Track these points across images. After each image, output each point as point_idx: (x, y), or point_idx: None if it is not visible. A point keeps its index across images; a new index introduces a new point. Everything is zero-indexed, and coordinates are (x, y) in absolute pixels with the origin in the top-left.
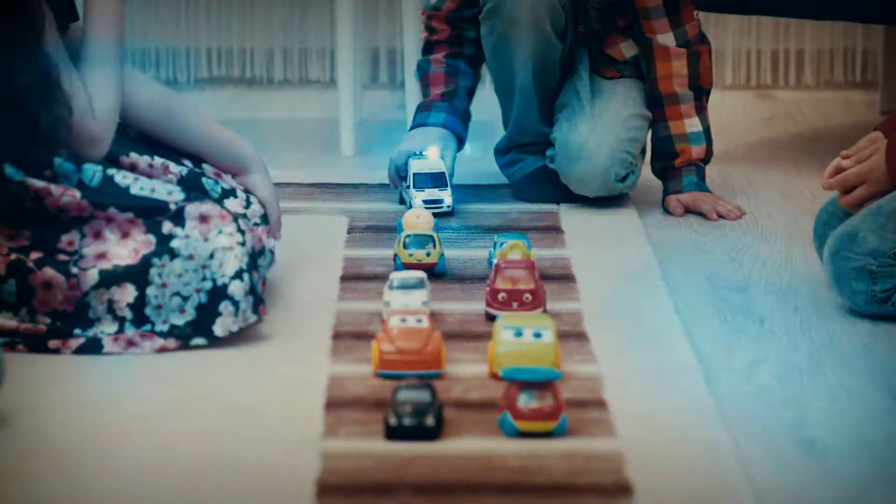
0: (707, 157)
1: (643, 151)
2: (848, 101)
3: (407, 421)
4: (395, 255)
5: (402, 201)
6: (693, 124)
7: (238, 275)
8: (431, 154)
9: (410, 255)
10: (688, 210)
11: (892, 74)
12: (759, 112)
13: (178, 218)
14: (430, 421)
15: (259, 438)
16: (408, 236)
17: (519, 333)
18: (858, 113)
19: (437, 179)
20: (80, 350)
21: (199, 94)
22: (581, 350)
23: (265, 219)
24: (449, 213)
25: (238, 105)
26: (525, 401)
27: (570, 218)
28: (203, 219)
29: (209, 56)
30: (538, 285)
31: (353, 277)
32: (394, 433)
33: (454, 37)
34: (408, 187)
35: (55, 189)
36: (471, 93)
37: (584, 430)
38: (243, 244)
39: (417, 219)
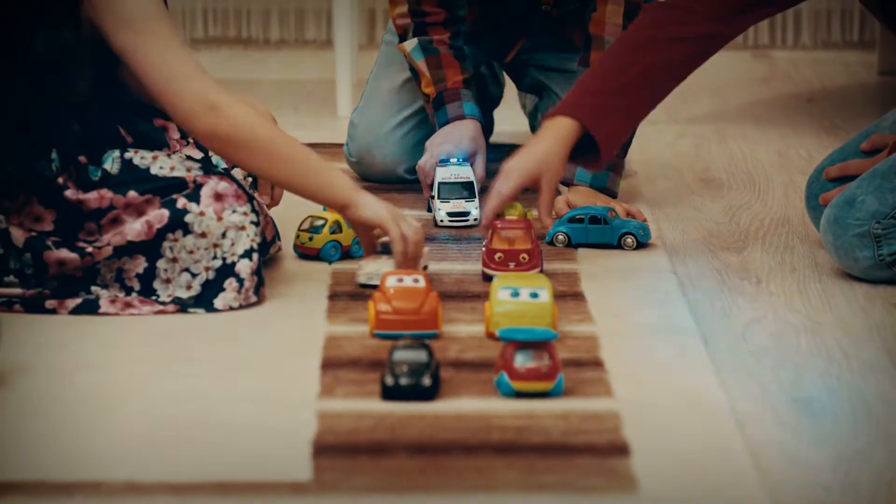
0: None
1: None
2: (845, 62)
3: (403, 381)
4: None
5: (429, 209)
6: None
7: (247, 254)
8: (455, 159)
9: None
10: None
11: (889, 35)
12: (757, 72)
13: (194, 195)
14: (426, 381)
15: (255, 399)
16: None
17: (516, 293)
18: (856, 73)
19: (464, 189)
20: (76, 310)
21: (195, 55)
22: (578, 310)
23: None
24: (476, 226)
25: (234, 65)
26: (522, 361)
27: None
28: (218, 197)
29: (205, 16)
30: (535, 245)
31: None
32: (390, 393)
33: (450, 18)
34: (432, 197)
35: (75, 190)
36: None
37: (581, 391)
38: (256, 224)
39: None
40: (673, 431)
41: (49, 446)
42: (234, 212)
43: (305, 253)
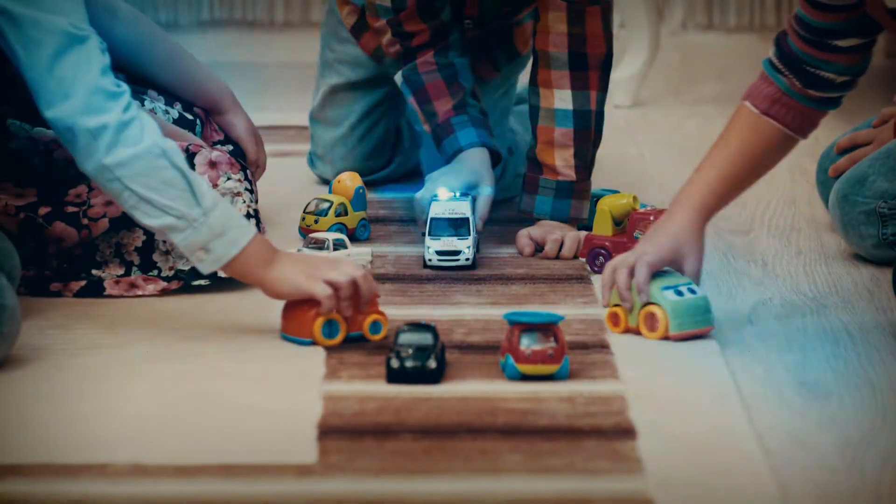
0: (581, 153)
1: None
2: None
3: (409, 363)
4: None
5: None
6: (563, 98)
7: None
8: (442, 194)
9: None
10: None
11: None
12: (763, 54)
13: (188, 164)
14: (431, 364)
15: (261, 381)
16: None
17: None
18: None
19: (457, 226)
20: (81, 293)
21: (200, 37)
22: (584, 293)
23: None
24: (468, 267)
25: (240, 48)
26: (527, 343)
27: None
28: (212, 165)
29: None
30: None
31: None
32: (396, 376)
33: (436, 33)
34: (423, 234)
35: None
36: (475, 90)
37: (587, 373)
38: (251, 191)
39: (339, 183)
40: (679, 414)
41: (54, 428)
42: (228, 179)
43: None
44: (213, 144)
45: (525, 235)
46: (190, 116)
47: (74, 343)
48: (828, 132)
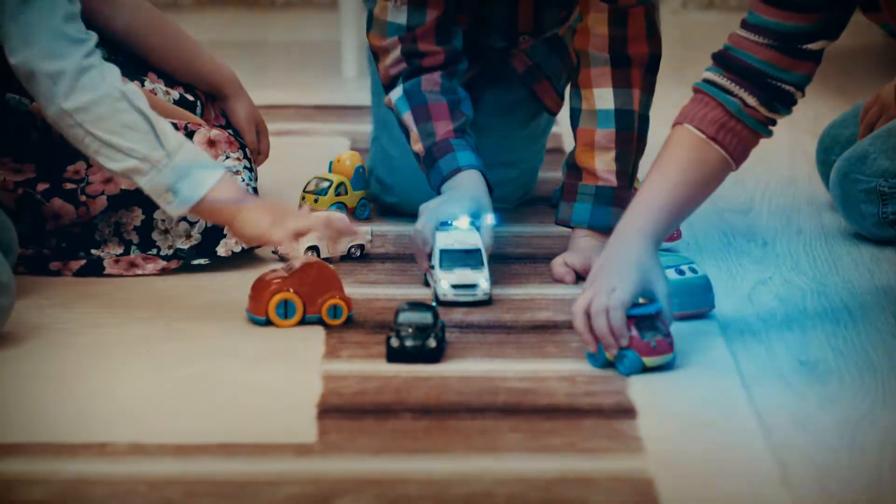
0: (622, 158)
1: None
2: (852, 22)
3: (409, 343)
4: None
5: (427, 283)
6: (603, 97)
7: None
8: (462, 223)
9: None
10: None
11: None
12: None
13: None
14: (431, 343)
15: (261, 360)
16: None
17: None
18: (863, 34)
19: (470, 258)
20: (80, 272)
21: (200, 16)
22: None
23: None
24: (486, 303)
25: (240, 27)
26: (650, 336)
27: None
28: (211, 143)
29: None
30: None
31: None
32: (396, 355)
33: (449, 59)
34: (432, 267)
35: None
36: (473, 123)
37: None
38: (250, 169)
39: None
40: (679, 393)
41: (53, 407)
42: (227, 157)
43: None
44: None
45: (561, 264)
46: (191, 98)
47: (74, 322)
48: (828, 110)
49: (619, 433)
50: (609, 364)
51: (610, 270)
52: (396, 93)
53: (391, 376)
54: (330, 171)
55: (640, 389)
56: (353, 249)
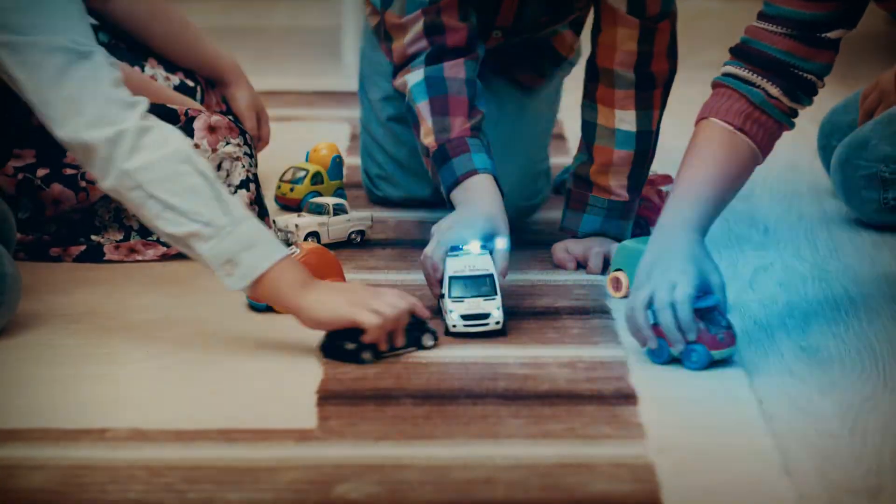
0: (635, 175)
1: None
2: None
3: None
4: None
5: (440, 311)
6: (625, 119)
7: (244, 184)
8: (473, 248)
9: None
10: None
11: None
12: None
13: (187, 128)
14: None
15: (261, 346)
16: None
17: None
18: (864, 20)
19: (482, 284)
20: (80, 257)
21: (202, 2)
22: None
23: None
24: (498, 333)
25: (240, 12)
26: (717, 329)
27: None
28: (211, 129)
29: None
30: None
31: (357, 185)
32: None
33: (470, 38)
34: (442, 296)
35: None
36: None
37: (588, 338)
38: (251, 155)
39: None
40: (680, 379)
41: (54, 394)
42: (227, 143)
43: (286, 204)
44: None
45: (563, 250)
46: (191, 84)
47: (74, 308)
48: (829, 96)
49: (620, 419)
50: (673, 360)
51: (666, 266)
52: (415, 76)
53: (391, 362)
54: (307, 160)
55: (640, 376)
56: (353, 235)
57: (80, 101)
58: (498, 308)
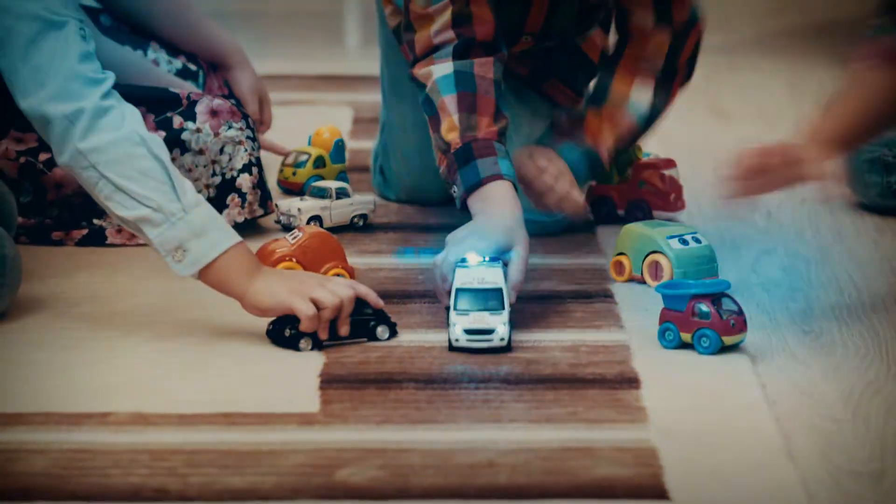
0: (624, 143)
1: None
2: None
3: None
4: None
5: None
6: (642, 93)
7: (247, 168)
8: (472, 260)
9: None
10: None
11: None
12: (768, 2)
13: (189, 112)
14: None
15: (263, 330)
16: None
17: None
18: (867, 3)
19: (489, 298)
20: (83, 241)
21: None
22: (588, 244)
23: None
24: (503, 349)
25: None
26: (728, 315)
27: None
28: (213, 113)
29: None
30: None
31: (359, 168)
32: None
33: (497, 34)
34: (448, 308)
35: None
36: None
37: (590, 322)
38: (253, 139)
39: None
40: (683, 363)
41: (55, 378)
42: (230, 127)
43: (289, 188)
44: None
45: (524, 154)
46: (193, 67)
47: (75, 291)
48: (831, 81)
49: (623, 403)
50: (684, 345)
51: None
52: (443, 68)
53: (394, 346)
54: (309, 144)
55: (643, 359)
56: (356, 219)
57: (46, 72)
58: (504, 324)
